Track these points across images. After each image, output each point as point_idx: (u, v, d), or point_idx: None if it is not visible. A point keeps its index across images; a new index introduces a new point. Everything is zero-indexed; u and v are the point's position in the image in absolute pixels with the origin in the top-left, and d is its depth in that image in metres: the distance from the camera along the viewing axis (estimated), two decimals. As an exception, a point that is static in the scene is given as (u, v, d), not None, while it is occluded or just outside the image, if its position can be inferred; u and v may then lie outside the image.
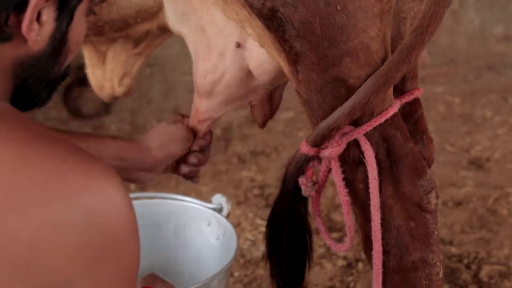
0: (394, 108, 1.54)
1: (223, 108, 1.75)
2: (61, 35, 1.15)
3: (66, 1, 1.13)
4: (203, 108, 1.75)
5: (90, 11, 1.22)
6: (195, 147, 1.82)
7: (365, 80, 1.47)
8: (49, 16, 1.11)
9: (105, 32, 1.80)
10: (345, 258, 2.63)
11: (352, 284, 2.54)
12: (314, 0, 1.39)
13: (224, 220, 1.94)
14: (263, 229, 2.84)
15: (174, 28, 1.71)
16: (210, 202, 2.01)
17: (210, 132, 1.84)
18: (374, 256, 1.58)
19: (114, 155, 1.75)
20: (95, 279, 1.06)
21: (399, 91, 1.63)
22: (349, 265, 2.63)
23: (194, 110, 1.78)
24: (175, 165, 1.84)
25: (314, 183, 1.60)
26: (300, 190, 1.61)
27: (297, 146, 3.55)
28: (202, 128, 1.80)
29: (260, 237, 2.83)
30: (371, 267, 1.64)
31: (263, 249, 2.73)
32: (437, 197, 1.62)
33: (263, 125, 1.84)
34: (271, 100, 1.78)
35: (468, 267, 2.59)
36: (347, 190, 1.58)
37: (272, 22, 1.42)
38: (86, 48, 1.99)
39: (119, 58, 1.96)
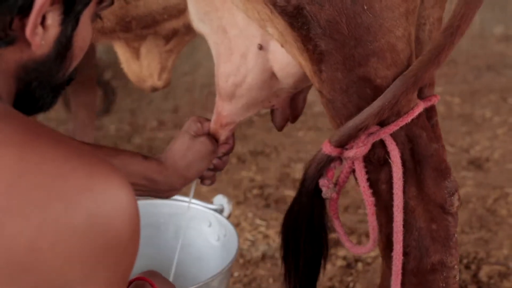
0: (420, 107, 1.53)
1: (246, 112, 1.72)
2: (66, 40, 1.14)
3: (72, 6, 1.11)
4: (225, 112, 1.72)
5: (96, 16, 1.20)
6: (218, 154, 1.79)
7: (392, 80, 1.46)
8: (54, 20, 1.10)
9: (132, 29, 1.79)
10: (344, 258, 2.63)
11: (351, 284, 2.54)
12: None
13: (225, 221, 1.94)
14: (262, 229, 2.84)
15: (196, 28, 1.70)
16: (210, 202, 2.01)
17: (232, 137, 1.80)
18: (394, 257, 1.56)
19: (144, 175, 1.73)
20: (95, 280, 1.05)
21: (418, 97, 1.62)
22: (349, 265, 2.63)
23: (217, 114, 1.74)
24: None
25: (335, 184, 1.57)
26: (319, 191, 1.58)
27: (296, 146, 3.57)
28: (224, 132, 1.76)
29: (260, 237, 2.83)
30: (388, 268, 1.63)
31: (263, 249, 2.74)
32: (459, 199, 1.60)
33: (281, 128, 1.82)
34: (294, 104, 1.76)
35: (467, 267, 2.60)
36: (371, 190, 1.56)
37: (297, 20, 1.41)
38: (118, 44, 2.00)
39: (153, 54, 1.97)
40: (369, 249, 1.63)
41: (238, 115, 1.73)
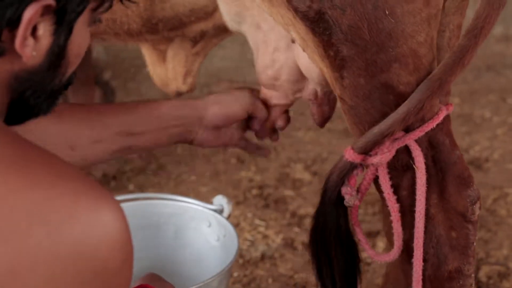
0: (444, 112, 1.52)
1: (291, 96, 1.74)
2: (59, 49, 1.11)
3: (64, 15, 1.09)
4: (270, 95, 1.76)
5: (95, 20, 1.17)
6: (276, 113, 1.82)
7: (415, 85, 1.45)
8: (45, 30, 1.07)
9: (159, 31, 1.79)
10: (344, 258, 2.63)
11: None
12: (362, 3, 1.37)
13: (225, 221, 1.94)
14: (262, 229, 2.84)
15: (233, 29, 1.70)
16: (209, 202, 2.01)
17: (286, 114, 1.86)
18: (414, 264, 1.55)
19: (170, 114, 1.72)
20: None
21: None
22: (349, 266, 2.62)
23: (264, 96, 1.77)
24: (243, 137, 1.85)
25: (357, 192, 1.56)
26: (341, 200, 1.56)
27: (296, 146, 3.56)
28: (275, 113, 1.81)
29: (259, 237, 2.83)
30: (402, 272, 1.61)
31: (262, 250, 2.74)
32: (480, 207, 1.59)
33: (322, 124, 1.81)
34: (329, 100, 1.75)
35: (467, 267, 2.59)
36: (395, 197, 1.54)
37: (318, 25, 1.40)
38: (144, 46, 2.00)
39: (179, 57, 1.96)
40: (394, 256, 1.61)
41: (284, 98, 1.75)
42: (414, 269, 1.55)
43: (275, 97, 1.76)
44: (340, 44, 1.41)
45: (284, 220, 2.88)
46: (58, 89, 1.18)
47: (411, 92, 1.45)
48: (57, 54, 1.11)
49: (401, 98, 1.45)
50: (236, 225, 2.82)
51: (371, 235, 2.73)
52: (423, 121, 1.50)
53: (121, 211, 1.05)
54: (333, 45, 1.41)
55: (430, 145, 1.54)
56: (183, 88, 2.03)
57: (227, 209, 1.96)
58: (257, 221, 2.90)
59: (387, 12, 1.38)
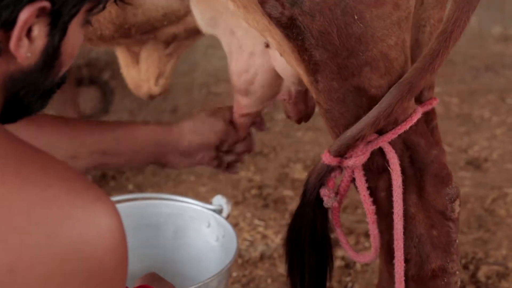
0: (418, 114, 1.53)
1: (262, 104, 1.76)
2: (53, 49, 1.12)
3: (59, 17, 1.09)
4: (243, 104, 1.77)
5: (87, 22, 1.18)
6: (234, 147, 1.88)
7: (387, 88, 1.46)
8: (40, 31, 1.08)
9: (132, 35, 1.80)
10: (343, 258, 2.64)
11: (350, 285, 2.54)
12: (331, 9, 1.38)
13: (224, 221, 1.94)
14: (261, 229, 2.84)
15: (206, 32, 1.71)
16: (208, 202, 2.01)
17: (250, 136, 1.90)
18: (396, 265, 1.56)
19: (148, 139, 1.76)
20: None
21: (417, 100, 1.61)
22: (347, 266, 2.63)
23: (236, 104, 1.79)
24: (215, 157, 1.89)
25: (336, 194, 1.58)
26: (321, 201, 1.58)
27: (295, 146, 3.56)
28: (244, 121, 1.83)
29: (258, 237, 2.83)
30: (388, 273, 1.62)
31: (261, 250, 2.74)
32: (460, 205, 1.60)
33: (299, 121, 1.84)
34: (306, 98, 1.77)
35: (465, 267, 2.60)
36: (372, 199, 1.56)
37: (292, 31, 1.42)
38: (119, 49, 2.00)
39: (152, 58, 1.97)
40: (372, 258, 1.63)
41: (255, 106, 1.77)
42: (395, 270, 1.56)
43: (246, 107, 1.77)
44: (313, 49, 1.42)
45: (284, 220, 2.88)
46: (51, 88, 1.19)
47: (382, 95, 1.46)
48: (51, 54, 1.12)
49: (373, 101, 1.47)
50: (235, 225, 2.82)
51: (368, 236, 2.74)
52: (396, 123, 1.51)
53: (116, 211, 1.06)
54: (306, 50, 1.43)
55: (406, 146, 1.55)
56: (155, 90, 2.04)
57: (226, 209, 1.97)
58: (256, 221, 2.90)
59: (356, 17, 1.39)
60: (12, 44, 1.06)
